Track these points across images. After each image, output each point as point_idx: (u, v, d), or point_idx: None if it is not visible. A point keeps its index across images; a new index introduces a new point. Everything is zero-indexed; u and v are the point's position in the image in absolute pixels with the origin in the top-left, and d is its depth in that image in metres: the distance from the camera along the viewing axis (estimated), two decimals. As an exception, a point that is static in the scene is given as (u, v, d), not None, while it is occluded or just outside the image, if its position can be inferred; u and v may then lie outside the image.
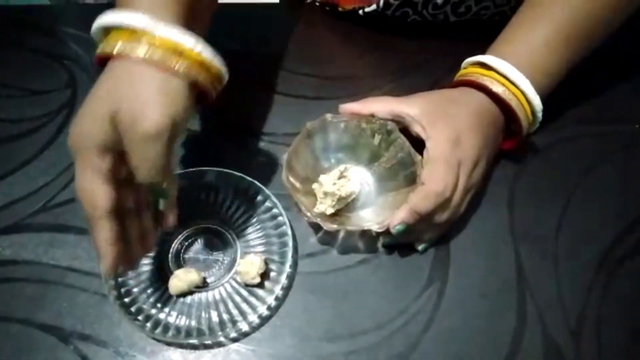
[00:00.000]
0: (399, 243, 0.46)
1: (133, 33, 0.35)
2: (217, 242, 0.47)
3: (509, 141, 0.48)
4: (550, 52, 0.45)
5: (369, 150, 0.48)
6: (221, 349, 0.42)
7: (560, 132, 0.53)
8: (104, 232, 0.35)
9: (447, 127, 0.43)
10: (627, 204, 0.49)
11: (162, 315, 0.43)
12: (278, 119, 0.54)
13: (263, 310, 0.42)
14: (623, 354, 0.42)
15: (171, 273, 0.44)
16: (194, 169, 0.48)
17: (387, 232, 0.42)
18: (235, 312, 0.43)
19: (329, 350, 0.42)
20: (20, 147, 0.52)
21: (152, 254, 0.45)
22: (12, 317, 0.43)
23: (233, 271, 0.45)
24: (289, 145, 0.46)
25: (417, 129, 0.44)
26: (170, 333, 0.41)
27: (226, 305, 0.43)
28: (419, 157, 0.44)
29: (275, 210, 0.46)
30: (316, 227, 0.47)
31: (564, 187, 0.50)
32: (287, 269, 0.43)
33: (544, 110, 0.45)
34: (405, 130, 0.45)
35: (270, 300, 0.42)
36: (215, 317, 0.43)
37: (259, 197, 0.48)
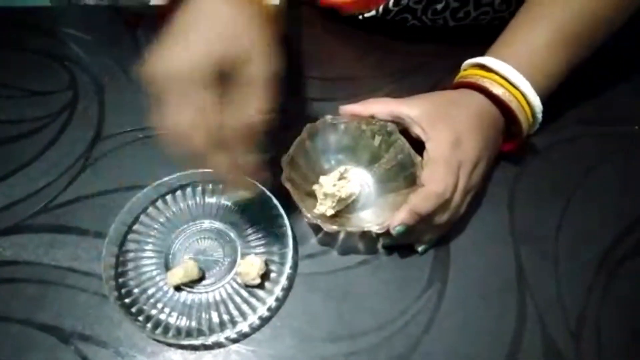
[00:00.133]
0: (399, 244, 0.46)
1: None
2: (218, 243, 0.47)
3: (509, 143, 0.48)
4: (550, 53, 0.45)
5: (369, 152, 0.48)
6: (221, 349, 0.42)
7: (560, 133, 0.53)
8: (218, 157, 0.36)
9: (447, 129, 0.43)
10: (627, 205, 0.49)
11: (162, 316, 0.43)
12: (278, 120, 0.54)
13: (263, 311, 0.42)
14: (623, 354, 0.42)
15: (172, 274, 0.44)
16: (195, 170, 0.48)
17: (387, 233, 0.42)
18: (235, 312, 0.43)
19: (330, 351, 0.42)
20: (21, 148, 0.52)
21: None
22: (12, 318, 0.43)
23: (233, 272, 0.45)
24: (289, 146, 0.46)
25: (417, 131, 0.44)
26: (170, 334, 0.41)
27: (226, 306, 0.44)
28: (419, 158, 0.44)
29: (275, 211, 0.46)
30: (316, 228, 0.47)
31: (564, 187, 0.50)
32: (288, 269, 0.43)
33: (544, 111, 0.45)
34: (405, 131, 0.45)
35: (271, 301, 0.43)
36: (215, 318, 0.43)
37: (260, 198, 0.48)
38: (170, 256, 0.46)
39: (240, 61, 0.35)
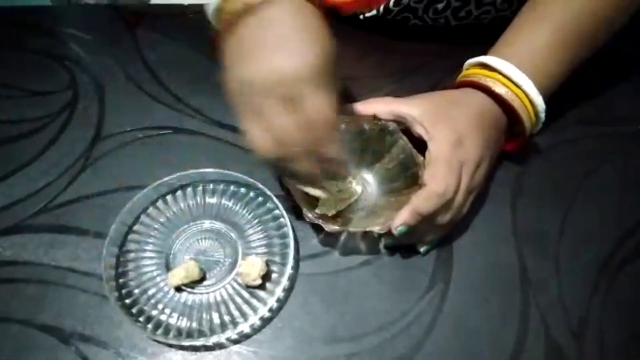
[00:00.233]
0: (401, 244, 0.45)
1: None
2: (218, 243, 0.47)
3: (512, 142, 0.48)
4: (552, 53, 0.45)
5: (371, 152, 0.48)
6: (222, 350, 0.42)
7: (562, 134, 0.53)
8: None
9: (449, 128, 0.43)
10: (629, 205, 0.49)
11: (163, 317, 0.43)
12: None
13: (264, 311, 0.42)
14: (625, 355, 0.42)
15: (172, 274, 0.44)
16: (195, 170, 0.48)
17: (389, 234, 0.42)
18: (236, 313, 0.43)
19: (331, 352, 0.42)
20: (21, 148, 0.52)
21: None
22: (12, 318, 0.43)
23: (234, 272, 0.45)
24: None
25: (419, 130, 0.44)
26: (171, 334, 0.41)
27: (227, 307, 0.43)
28: (421, 158, 0.44)
29: (276, 212, 0.46)
30: (318, 229, 0.47)
31: (566, 188, 0.50)
32: (289, 270, 0.43)
33: (546, 111, 0.45)
34: (407, 131, 0.45)
35: (272, 302, 0.42)
36: (216, 319, 0.43)
37: (261, 198, 0.48)
38: (170, 256, 0.46)
39: (316, 70, 0.36)
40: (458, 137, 0.42)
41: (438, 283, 0.45)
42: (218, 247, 0.46)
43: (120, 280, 0.44)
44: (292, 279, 0.45)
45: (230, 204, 0.48)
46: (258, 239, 0.47)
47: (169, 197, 0.48)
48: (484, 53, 0.46)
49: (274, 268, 0.45)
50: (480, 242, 0.47)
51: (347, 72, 0.58)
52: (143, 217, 0.47)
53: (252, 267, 0.43)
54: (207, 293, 0.44)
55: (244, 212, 0.48)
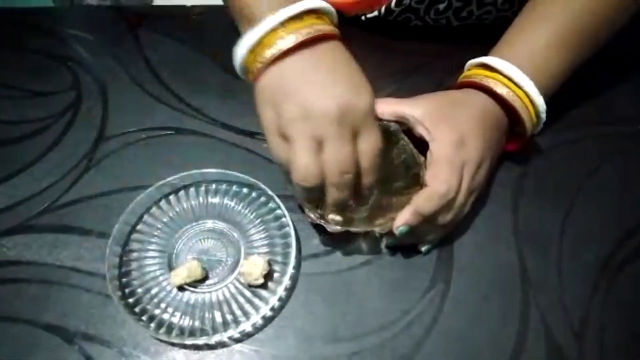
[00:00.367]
0: (403, 244, 0.46)
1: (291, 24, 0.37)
2: (221, 243, 0.47)
3: (513, 142, 0.48)
4: (553, 53, 0.45)
5: (372, 152, 0.48)
6: (224, 349, 0.42)
7: (562, 134, 0.53)
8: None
9: (450, 129, 0.43)
10: (629, 206, 0.49)
11: (165, 316, 0.43)
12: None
13: (266, 311, 0.42)
14: (626, 355, 0.42)
15: (175, 274, 0.44)
16: (198, 170, 0.48)
17: (390, 233, 0.42)
18: (238, 312, 0.43)
19: (332, 352, 0.42)
20: (25, 148, 0.52)
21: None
22: (16, 318, 0.43)
23: (236, 272, 0.45)
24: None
25: (420, 130, 0.44)
26: (174, 333, 0.42)
27: (229, 306, 0.44)
28: (422, 158, 0.44)
29: (278, 212, 0.46)
30: (320, 229, 0.47)
31: (567, 188, 0.50)
32: (291, 270, 0.43)
33: (547, 112, 0.45)
34: (408, 131, 0.45)
35: (274, 301, 0.43)
36: (218, 318, 0.43)
37: (263, 198, 0.48)
38: (173, 256, 0.46)
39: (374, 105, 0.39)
40: (460, 137, 0.43)
41: (439, 283, 0.45)
42: (220, 247, 0.47)
43: (124, 280, 0.44)
44: (294, 279, 0.45)
45: (232, 204, 0.49)
46: (260, 238, 0.47)
47: (171, 197, 0.49)
48: (486, 53, 0.47)
49: (276, 267, 0.45)
50: (481, 242, 0.47)
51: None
52: (146, 217, 0.48)
53: (254, 267, 0.43)
54: (210, 292, 0.44)
55: (246, 212, 0.48)
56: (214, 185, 0.49)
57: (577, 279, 0.45)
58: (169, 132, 0.53)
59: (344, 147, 0.37)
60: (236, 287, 0.45)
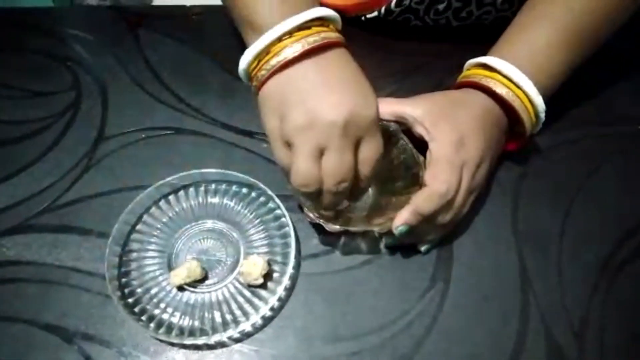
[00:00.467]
0: (402, 244, 0.46)
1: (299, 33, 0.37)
2: (220, 243, 0.47)
3: (513, 142, 0.48)
4: (552, 53, 0.45)
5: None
6: (224, 349, 0.42)
7: (562, 134, 0.53)
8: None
9: (450, 129, 0.43)
10: (629, 206, 0.49)
11: (165, 316, 0.43)
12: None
13: (266, 310, 0.42)
14: (626, 355, 0.42)
15: (175, 274, 0.44)
16: (198, 170, 0.48)
17: (389, 233, 0.42)
18: (238, 312, 0.43)
19: (332, 351, 0.42)
20: (25, 148, 0.52)
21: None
22: (15, 317, 0.43)
23: (236, 272, 0.45)
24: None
25: (420, 130, 0.44)
26: (173, 333, 0.42)
27: (229, 306, 0.44)
28: (422, 158, 0.44)
29: (278, 212, 0.46)
30: (319, 228, 0.47)
31: (566, 188, 0.50)
32: (290, 269, 0.43)
33: (546, 112, 0.45)
34: (408, 131, 0.45)
35: (273, 301, 0.43)
36: (218, 318, 0.43)
37: (262, 198, 0.48)
38: (173, 256, 0.46)
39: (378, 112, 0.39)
40: (459, 137, 0.43)
41: (438, 282, 0.45)
42: (220, 247, 0.47)
43: (123, 280, 0.44)
44: (294, 279, 0.45)
45: (232, 203, 0.49)
46: (260, 238, 0.47)
47: (171, 197, 0.49)
48: (485, 53, 0.47)
49: (276, 267, 0.45)
50: (481, 242, 0.47)
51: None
52: (146, 217, 0.48)
53: (253, 267, 0.43)
54: (209, 292, 0.44)
55: (246, 212, 0.48)
56: (213, 185, 0.49)
57: (577, 279, 0.45)
58: (169, 132, 0.53)
59: (344, 157, 0.37)
60: (236, 287, 0.45)
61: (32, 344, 0.42)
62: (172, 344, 0.42)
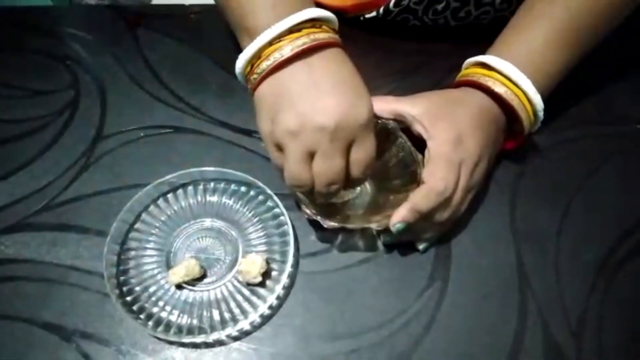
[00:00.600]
0: (400, 242, 0.46)
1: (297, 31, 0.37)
2: (219, 241, 0.47)
3: (511, 141, 0.49)
4: (550, 52, 0.45)
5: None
6: (222, 347, 0.42)
7: (561, 133, 0.53)
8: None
9: (448, 127, 0.43)
10: (628, 205, 0.49)
11: (164, 314, 0.43)
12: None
13: (264, 309, 0.42)
14: (624, 354, 0.42)
15: (173, 272, 0.44)
16: (196, 169, 0.48)
17: (387, 231, 0.42)
18: (236, 311, 0.43)
19: (330, 350, 0.42)
20: (23, 147, 0.52)
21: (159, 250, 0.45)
22: (14, 316, 0.43)
23: (234, 270, 0.45)
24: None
25: (418, 129, 0.44)
26: (172, 331, 0.42)
27: (228, 304, 0.44)
28: (420, 156, 0.44)
29: (277, 210, 0.46)
30: (316, 225, 0.47)
31: (565, 187, 0.50)
32: (289, 268, 0.43)
33: (545, 111, 0.45)
34: (406, 129, 0.45)
35: (272, 300, 0.43)
36: (216, 316, 0.43)
37: (261, 197, 0.48)
38: (171, 254, 0.46)
39: (372, 114, 0.39)
40: (458, 135, 0.43)
41: (437, 281, 0.45)
42: (218, 245, 0.47)
43: (122, 278, 0.44)
44: (292, 277, 0.45)
45: (230, 202, 0.49)
46: (258, 237, 0.47)
47: (169, 196, 0.49)
48: (484, 51, 0.47)
49: (274, 266, 0.45)
50: (479, 241, 0.47)
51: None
52: (144, 216, 0.48)
53: (252, 265, 0.43)
54: (208, 290, 0.44)
55: (245, 210, 0.48)
56: (212, 184, 0.49)
57: (575, 278, 0.45)
58: (168, 130, 0.53)
59: (333, 161, 0.37)
60: (234, 286, 0.45)
61: (31, 343, 0.42)
62: (171, 343, 0.42)
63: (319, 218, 0.43)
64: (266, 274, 0.44)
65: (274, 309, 0.44)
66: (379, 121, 0.46)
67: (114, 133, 0.53)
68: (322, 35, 0.38)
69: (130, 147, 0.52)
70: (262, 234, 0.47)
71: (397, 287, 0.45)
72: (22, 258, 0.46)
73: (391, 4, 0.55)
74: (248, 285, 0.44)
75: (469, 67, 0.47)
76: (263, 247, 0.46)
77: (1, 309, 0.43)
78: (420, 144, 0.44)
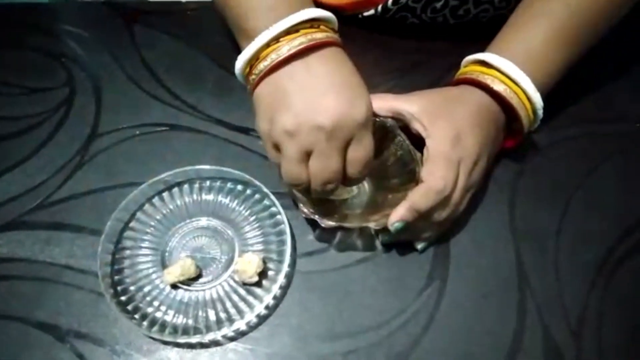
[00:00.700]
0: (399, 241, 0.45)
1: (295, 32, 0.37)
2: (215, 240, 0.47)
3: (510, 140, 0.48)
4: (550, 49, 0.45)
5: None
6: (218, 348, 0.42)
7: (560, 132, 0.53)
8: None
9: (447, 125, 0.43)
10: (628, 204, 0.49)
11: (159, 314, 0.43)
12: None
13: (261, 309, 0.42)
14: (624, 354, 0.42)
15: (168, 271, 0.44)
16: (192, 167, 0.48)
17: (386, 230, 0.42)
18: (232, 311, 0.43)
19: (328, 350, 0.41)
20: (18, 144, 0.52)
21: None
22: (8, 316, 0.43)
23: (231, 270, 0.45)
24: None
25: (417, 127, 0.43)
26: (167, 331, 0.41)
27: (223, 304, 0.43)
28: (419, 154, 0.44)
29: (273, 209, 0.46)
30: (314, 225, 0.46)
31: (564, 186, 0.50)
32: (286, 267, 0.43)
33: (545, 109, 0.45)
34: (405, 128, 0.45)
35: (268, 299, 0.42)
36: (212, 316, 0.42)
37: (258, 196, 0.47)
38: (166, 254, 0.46)
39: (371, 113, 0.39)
40: (456, 133, 0.42)
41: (435, 280, 0.44)
42: (214, 245, 0.46)
43: (116, 278, 0.44)
44: (289, 277, 0.44)
45: (227, 201, 0.48)
46: (255, 236, 0.47)
47: (165, 194, 0.48)
48: (483, 49, 0.46)
49: (271, 265, 0.45)
50: (478, 240, 0.46)
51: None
52: (139, 214, 0.47)
53: (248, 265, 0.42)
54: (204, 290, 0.44)
55: (241, 209, 0.48)
56: (208, 182, 0.49)
57: (574, 277, 0.45)
58: (163, 128, 0.53)
59: (329, 161, 0.37)
60: (230, 285, 0.44)
61: (24, 343, 0.42)
62: (166, 343, 0.42)
63: (316, 217, 0.42)
64: (263, 274, 0.44)
65: (271, 309, 0.43)
66: (377, 119, 0.45)
67: (109, 131, 0.53)
68: (320, 35, 0.38)
69: (125, 145, 0.52)
70: (258, 233, 0.47)
71: (395, 286, 0.44)
72: (16, 257, 0.46)
73: (389, 2, 0.54)
74: (244, 284, 0.44)
75: (468, 65, 0.47)
76: (260, 247, 0.46)
77: (-5, 308, 0.43)
78: (418, 142, 0.44)
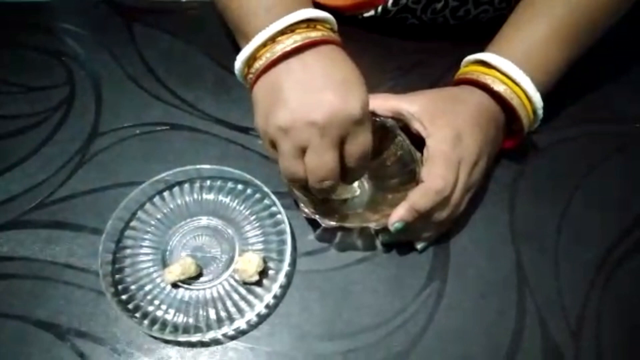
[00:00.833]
0: (399, 241, 0.45)
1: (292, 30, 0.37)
2: (215, 239, 0.47)
3: (510, 140, 0.48)
4: (549, 49, 0.45)
5: (369, 148, 0.48)
6: (219, 346, 0.42)
7: (560, 132, 0.53)
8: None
9: (447, 125, 0.43)
10: (627, 204, 0.49)
11: (159, 313, 0.43)
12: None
13: (261, 308, 0.42)
14: (623, 353, 0.42)
15: (169, 270, 0.44)
16: (192, 167, 0.48)
17: (386, 230, 0.42)
18: (233, 310, 0.43)
19: (328, 349, 0.42)
20: (18, 143, 0.52)
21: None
22: (8, 314, 0.43)
23: (231, 269, 0.45)
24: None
25: (417, 127, 0.43)
26: (167, 330, 0.41)
27: (224, 303, 0.43)
28: (419, 154, 0.44)
29: (274, 209, 0.46)
30: (314, 224, 0.46)
31: (564, 186, 0.50)
32: (286, 267, 0.43)
33: (545, 109, 0.45)
34: (405, 128, 0.45)
35: (269, 299, 0.42)
36: (213, 315, 0.43)
37: (258, 195, 0.48)
38: (167, 253, 0.46)
39: (367, 109, 0.38)
40: (456, 133, 0.42)
41: (435, 280, 0.45)
42: (215, 244, 0.46)
43: (117, 276, 0.44)
44: (289, 276, 0.45)
45: (227, 200, 0.48)
46: (255, 235, 0.47)
47: (165, 194, 0.48)
48: (483, 50, 0.46)
49: (271, 265, 0.45)
50: (478, 240, 0.47)
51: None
52: (140, 213, 0.47)
53: (249, 264, 0.43)
54: (204, 289, 0.44)
55: (241, 208, 0.48)
56: (208, 182, 0.49)
57: (574, 277, 0.45)
58: (164, 127, 0.53)
59: (324, 157, 0.37)
60: (231, 285, 0.44)
61: (25, 341, 0.42)
62: (166, 341, 0.42)
63: (317, 217, 0.42)
64: (263, 273, 0.44)
65: (271, 308, 0.43)
66: (377, 119, 0.45)
67: (110, 130, 0.53)
68: (315, 34, 0.38)
69: (125, 145, 0.52)
70: (259, 232, 0.47)
71: (395, 286, 0.44)
72: (17, 256, 0.46)
73: (389, 3, 0.54)
74: (245, 284, 0.44)
75: (468, 65, 0.47)
76: (260, 246, 0.46)
77: (-5, 307, 0.43)
78: (419, 142, 0.44)
